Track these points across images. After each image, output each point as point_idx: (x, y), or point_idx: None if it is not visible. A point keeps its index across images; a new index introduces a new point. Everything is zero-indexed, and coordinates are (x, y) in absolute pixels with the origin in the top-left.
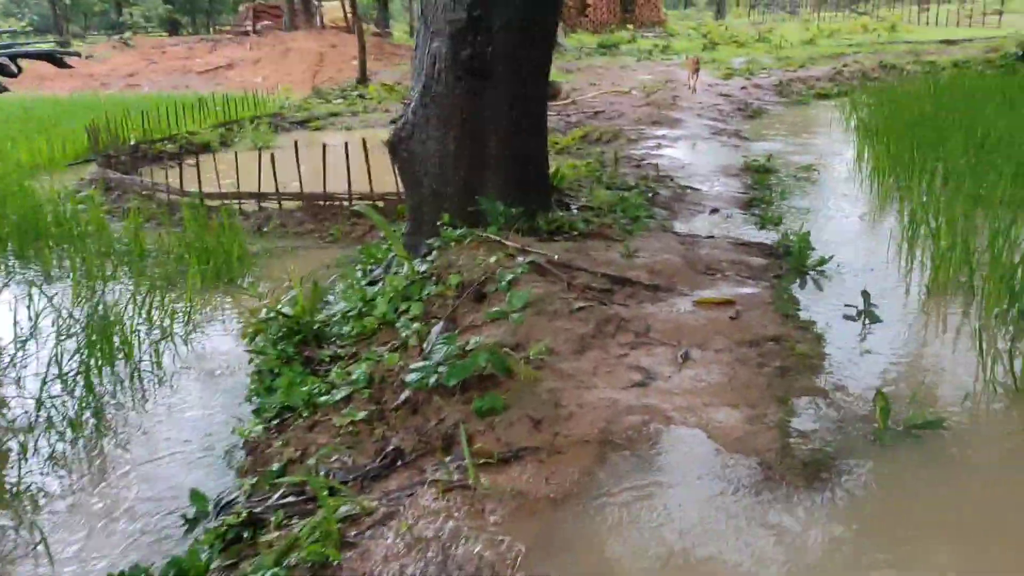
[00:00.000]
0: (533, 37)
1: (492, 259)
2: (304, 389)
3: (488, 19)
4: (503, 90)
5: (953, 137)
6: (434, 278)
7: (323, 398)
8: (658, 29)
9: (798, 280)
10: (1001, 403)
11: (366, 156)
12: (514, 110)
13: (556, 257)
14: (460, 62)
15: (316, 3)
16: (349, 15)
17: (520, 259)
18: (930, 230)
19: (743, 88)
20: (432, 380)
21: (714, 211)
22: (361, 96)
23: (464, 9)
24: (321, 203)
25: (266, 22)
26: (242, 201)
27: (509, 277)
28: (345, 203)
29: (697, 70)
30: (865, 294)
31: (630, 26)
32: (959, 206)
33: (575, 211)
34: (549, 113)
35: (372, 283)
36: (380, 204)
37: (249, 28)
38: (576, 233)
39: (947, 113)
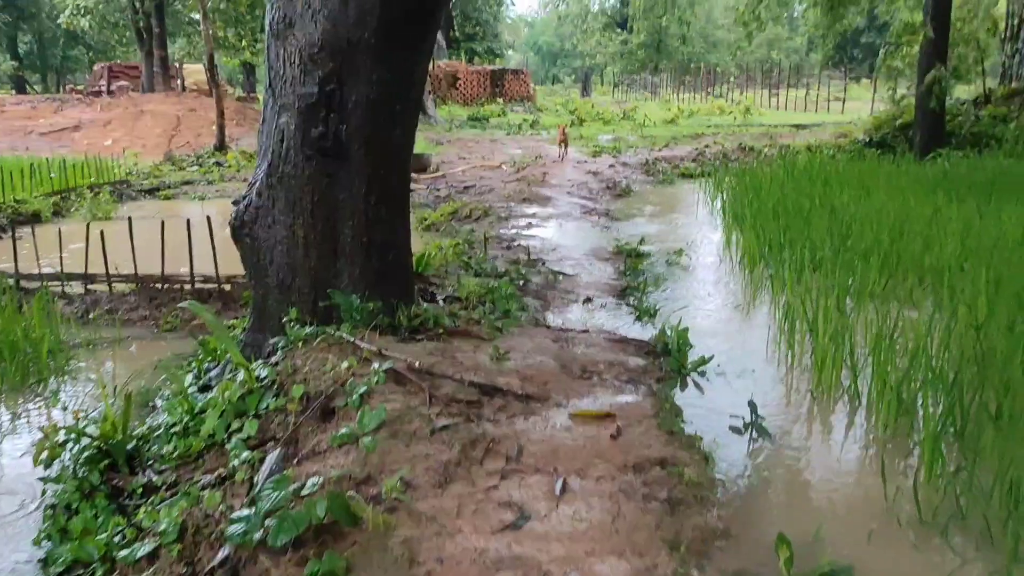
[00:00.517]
0: (394, 114)
1: (344, 365)
2: (102, 537)
3: (343, 94)
4: (360, 171)
5: (816, 223)
6: (276, 387)
7: (124, 552)
8: (527, 104)
9: (679, 384)
10: (908, 538)
11: (211, 232)
12: (372, 193)
13: (418, 363)
14: (311, 140)
15: (177, 65)
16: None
17: (376, 365)
18: (807, 324)
19: (611, 166)
20: (258, 535)
21: (587, 300)
22: (218, 163)
23: (316, 83)
24: (158, 286)
25: (122, 83)
26: (65, 283)
27: (362, 389)
28: (186, 286)
29: (565, 140)
30: (752, 405)
31: (500, 100)
32: (832, 299)
33: (441, 302)
34: (418, 186)
35: (205, 388)
36: (227, 287)
37: (103, 88)
38: (441, 331)
39: (807, 198)
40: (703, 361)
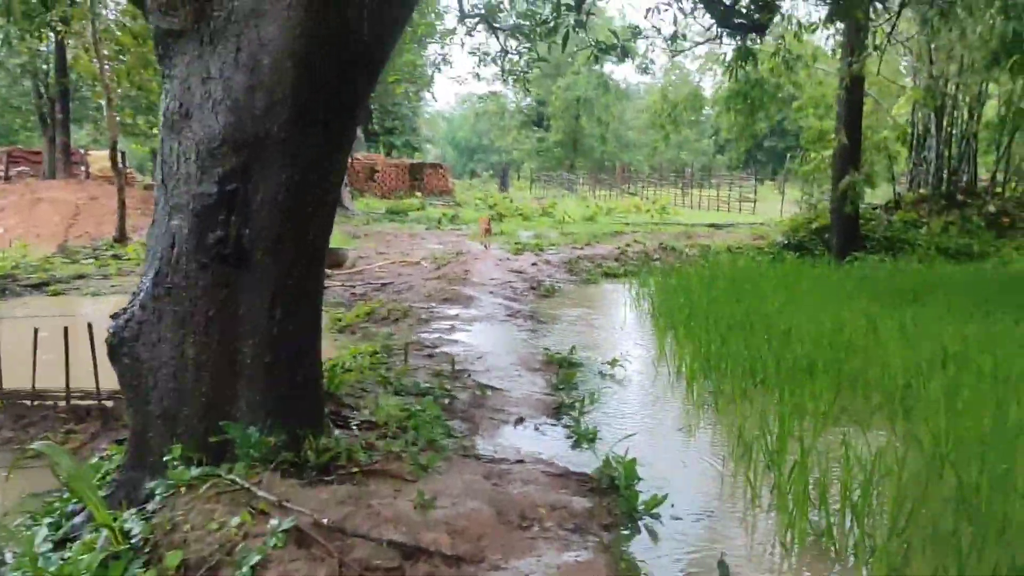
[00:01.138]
0: (307, 216)
1: (234, 521)
2: None
3: (248, 194)
4: (264, 281)
5: (753, 332)
6: (149, 549)
7: None
8: (446, 198)
9: (631, 530)
10: None
11: (91, 338)
12: (279, 306)
13: (326, 518)
14: (207, 246)
15: (82, 151)
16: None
17: (275, 521)
18: (765, 452)
19: (534, 264)
20: None
21: (520, 421)
22: (116, 256)
23: (215, 181)
24: (27, 403)
25: (22, 168)
26: None
27: (255, 558)
28: (60, 403)
29: (488, 229)
30: (723, 568)
31: (419, 193)
32: (784, 420)
33: (355, 429)
34: (333, 283)
35: (64, 542)
36: (109, 404)
37: (1, 174)
38: (356, 469)
39: (739, 303)
40: (656, 501)
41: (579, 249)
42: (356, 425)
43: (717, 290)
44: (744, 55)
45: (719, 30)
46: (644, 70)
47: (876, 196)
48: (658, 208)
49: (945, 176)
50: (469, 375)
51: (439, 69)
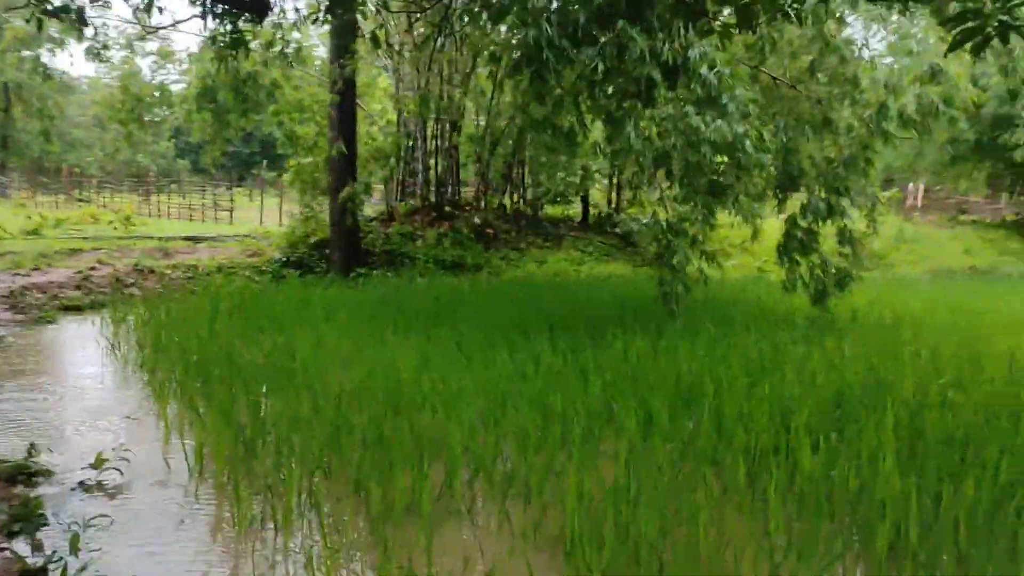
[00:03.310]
0: None
1: None
2: None
3: None
4: None
5: (293, 388)
6: None
7: None
8: None
9: None
10: None
11: None
12: None
13: None
14: None
15: None
16: None
17: None
18: None
19: None
20: None
21: None
22: None
23: None
24: None
25: None
26: None
27: None
28: None
29: None
30: None
31: None
32: (387, 548)
33: None
34: None
35: None
36: None
37: None
38: None
39: (257, 344)
40: None
41: (25, 276)
42: None
43: (226, 327)
44: (236, 43)
45: (210, 9)
46: (97, 55)
47: (365, 209)
48: (122, 219)
49: (434, 188)
50: None
51: None
